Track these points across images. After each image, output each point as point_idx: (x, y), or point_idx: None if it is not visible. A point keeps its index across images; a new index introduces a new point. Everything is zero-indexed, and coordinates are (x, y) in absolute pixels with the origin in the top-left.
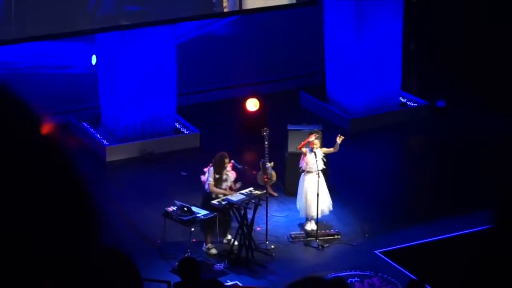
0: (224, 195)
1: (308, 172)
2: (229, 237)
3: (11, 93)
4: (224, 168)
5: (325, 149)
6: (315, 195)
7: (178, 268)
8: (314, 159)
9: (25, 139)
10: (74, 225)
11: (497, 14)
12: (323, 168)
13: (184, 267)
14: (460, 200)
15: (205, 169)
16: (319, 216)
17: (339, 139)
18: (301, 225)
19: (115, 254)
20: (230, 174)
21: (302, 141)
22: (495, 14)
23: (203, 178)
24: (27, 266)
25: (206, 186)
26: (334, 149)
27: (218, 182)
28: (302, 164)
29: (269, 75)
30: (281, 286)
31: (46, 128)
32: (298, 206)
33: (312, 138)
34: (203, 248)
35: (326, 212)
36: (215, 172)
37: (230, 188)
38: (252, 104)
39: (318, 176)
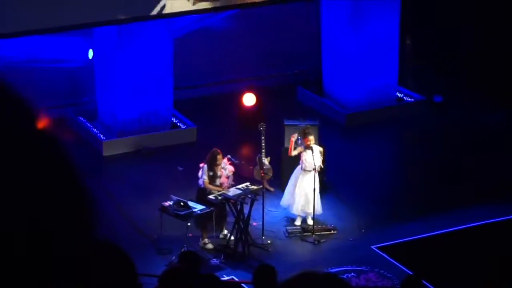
0: (218, 191)
1: (306, 170)
2: (225, 232)
3: (7, 87)
4: (217, 165)
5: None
6: (308, 191)
7: (179, 260)
8: (311, 157)
9: (22, 133)
10: (71, 219)
11: (493, 9)
12: (320, 166)
13: (185, 259)
14: (457, 195)
15: (201, 165)
16: (312, 214)
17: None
18: (296, 220)
19: (111, 248)
20: (227, 167)
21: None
22: (491, 9)
23: (199, 173)
24: (25, 260)
25: (201, 182)
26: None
27: (212, 178)
28: (302, 163)
29: (266, 69)
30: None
31: (42, 122)
32: (285, 199)
33: (294, 137)
34: (199, 243)
35: (319, 211)
36: (209, 169)
37: (226, 184)
38: (249, 99)
39: (315, 172)
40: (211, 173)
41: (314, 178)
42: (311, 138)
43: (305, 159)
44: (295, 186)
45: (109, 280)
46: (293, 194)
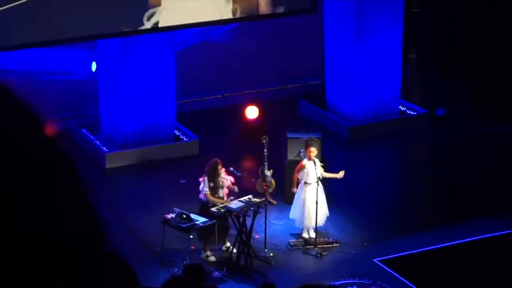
0: (221, 203)
1: (307, 183)
2: (228, 244)
3: (14, 94)
4: (218, 175)
5: (321, 168)
6: (310, 204)
7: (184, 272)
8: (313, 168)
9: (29, 140)
10: (78, 228)
11: (495, 23)
12: (321, 177)
13: (190, 271)
14: (459, 208)
15: (200, 179)
16: (314, 227)
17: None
18: (300, 234)
19: (115, 260)
20: (227, 177)
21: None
22: (493, 23)
23: (200, 187)
24: (29, 269)
25: (202, 196)
26: (330, 175)
27: (214, 190)
28: (302, 174)
29: (268, 83)
30: None
31: (49, 130)
32: (292, 215)
33: (304, 162)
34: (202, 256)
35: (323, 221)
36: (209, 181)
37: (228, 195)
38: (252, 112)
39: (318, 185)
40: (211, 184)
41: (317, 190)
42: (313, 149)
43: (308, 171)
44: (305, 202)
45: None
46: (298, 207)
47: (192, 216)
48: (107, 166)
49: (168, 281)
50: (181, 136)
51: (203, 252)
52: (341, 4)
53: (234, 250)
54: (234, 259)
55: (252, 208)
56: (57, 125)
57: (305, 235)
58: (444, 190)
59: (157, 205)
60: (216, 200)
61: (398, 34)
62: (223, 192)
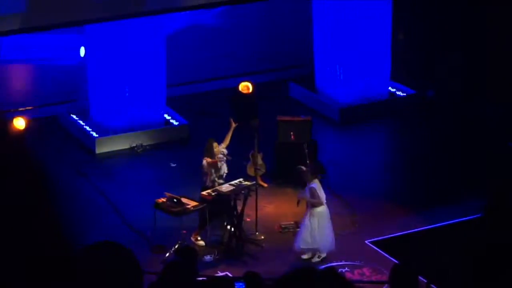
0: (218, 165)
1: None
2: (225, 223)
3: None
4: (215, 153)
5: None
6: (324, 227)
7: (177, 254)
8: (321, 188)
9: None
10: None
11: (484, 2)
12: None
13: (183, 254)
14: (450, 189)
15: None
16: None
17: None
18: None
19: (117, 248)
20: (222, 154)
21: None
22: (482, 3)
23: (204, 164)
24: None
25: (205, 168)
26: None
27: (216, 170)
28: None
29: (258, 65)
30: (272, 276)
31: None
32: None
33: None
34: (191, 238)
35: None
36: (208, 158)
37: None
38: (245, 87)
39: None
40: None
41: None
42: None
43: (322, 195)
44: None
45: (116, 278)
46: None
47: (183, 200)
48: (98, 151)
49: (166, 267)
50: (171, 121)
51: (193, 234)
52: None
53: (227, 233)
54: (225, 242)
55: (243, 192)
56: (44, 113)
57: (316, 259)
58: (435, 171)
59: (148, 190)
60: (214, 161)
61: (388, 15)
62: (224, 169)
